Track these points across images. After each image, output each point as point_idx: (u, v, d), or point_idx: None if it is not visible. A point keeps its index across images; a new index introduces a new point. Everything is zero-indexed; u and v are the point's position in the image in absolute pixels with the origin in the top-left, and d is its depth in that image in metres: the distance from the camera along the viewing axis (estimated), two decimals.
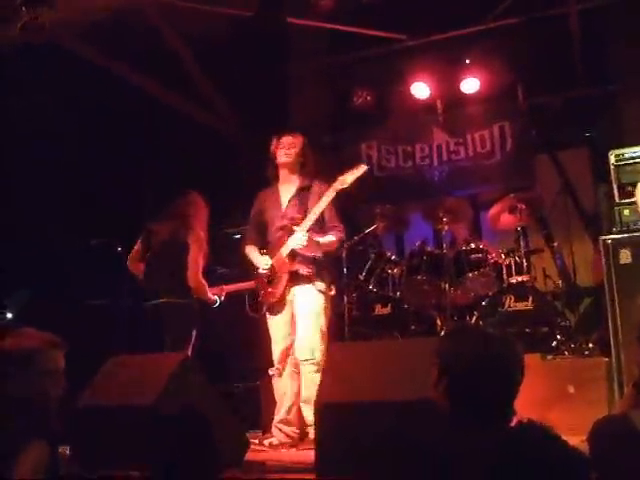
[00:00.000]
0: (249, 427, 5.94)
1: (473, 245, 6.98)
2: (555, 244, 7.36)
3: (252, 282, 5.68)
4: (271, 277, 5.40)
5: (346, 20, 7.84)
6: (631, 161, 5.51)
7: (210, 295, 5.86)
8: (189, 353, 5.54)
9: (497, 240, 7.35)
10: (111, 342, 6.40)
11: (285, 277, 5.33)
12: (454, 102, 8.54)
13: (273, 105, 8.45)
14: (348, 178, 5.30)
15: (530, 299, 6.27)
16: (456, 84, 8.21)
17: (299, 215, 5.42)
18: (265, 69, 8.21)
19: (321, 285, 5.38)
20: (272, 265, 5.40)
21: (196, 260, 5.74)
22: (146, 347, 5.69)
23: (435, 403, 2.47)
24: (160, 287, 5.79)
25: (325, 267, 5.51)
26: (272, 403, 5.58)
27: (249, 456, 4.39)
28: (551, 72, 7.90)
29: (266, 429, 5.84)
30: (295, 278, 5.35)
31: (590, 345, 5.85)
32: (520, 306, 6.26)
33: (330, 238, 5.44)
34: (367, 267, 7.14)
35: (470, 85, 8.14)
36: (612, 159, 5.56)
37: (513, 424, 2.40)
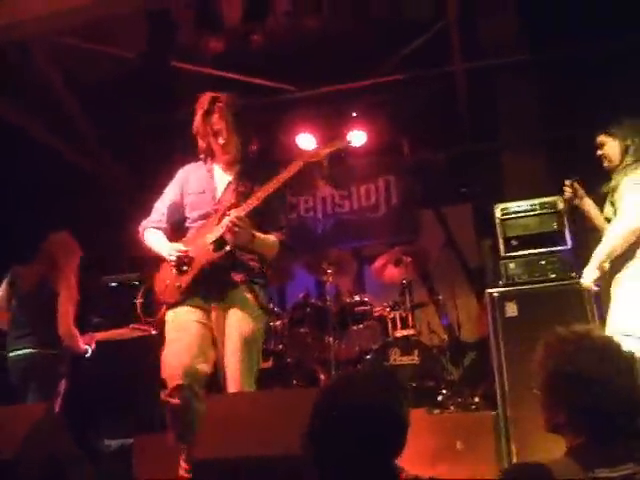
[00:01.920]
0: None
1: (358, 298, 6.96)
2: (440, 298, 7.36)
3: (125, 330, 5.35)
4: (183, 265, 4.05)
5: (233, 67, 7.69)
6: (515, 215, 5.52)
7: (81, 345, 5.50)
8: (57, 406, 5.17)
9: (381, 293, 7.27)
10: None
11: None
12: (340, 154, 8.45)
13: (156, 150, 8.19)
14: (324, 151, 4.27)
15: (416, 353, 6.24)
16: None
17: (235, 201, 4.12)
18: (151, 113, 7.95)
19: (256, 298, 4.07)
20: (186, 253, 4.04)
21: (67, 308, 5.39)
22: (10, 400, 5.30)
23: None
24: (26, 336, 5.41)
25: (262, 275, 4.21)
26: (145, 461, 5.24)
27: None
28: (437, 128, 7.98)
29: None
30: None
31: (476, 399, 5.79)
32: (406, 360, 6.22)
33: (271, 238, 4.18)
34: None
35: (356, 138, 8.10)
36: (497, 213, 5.55)
37: None
